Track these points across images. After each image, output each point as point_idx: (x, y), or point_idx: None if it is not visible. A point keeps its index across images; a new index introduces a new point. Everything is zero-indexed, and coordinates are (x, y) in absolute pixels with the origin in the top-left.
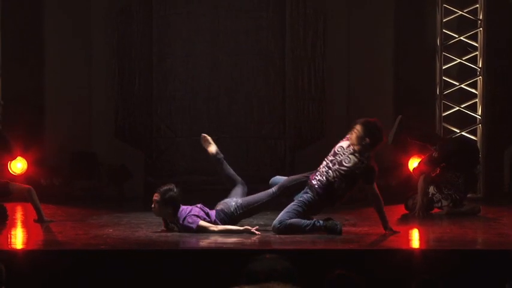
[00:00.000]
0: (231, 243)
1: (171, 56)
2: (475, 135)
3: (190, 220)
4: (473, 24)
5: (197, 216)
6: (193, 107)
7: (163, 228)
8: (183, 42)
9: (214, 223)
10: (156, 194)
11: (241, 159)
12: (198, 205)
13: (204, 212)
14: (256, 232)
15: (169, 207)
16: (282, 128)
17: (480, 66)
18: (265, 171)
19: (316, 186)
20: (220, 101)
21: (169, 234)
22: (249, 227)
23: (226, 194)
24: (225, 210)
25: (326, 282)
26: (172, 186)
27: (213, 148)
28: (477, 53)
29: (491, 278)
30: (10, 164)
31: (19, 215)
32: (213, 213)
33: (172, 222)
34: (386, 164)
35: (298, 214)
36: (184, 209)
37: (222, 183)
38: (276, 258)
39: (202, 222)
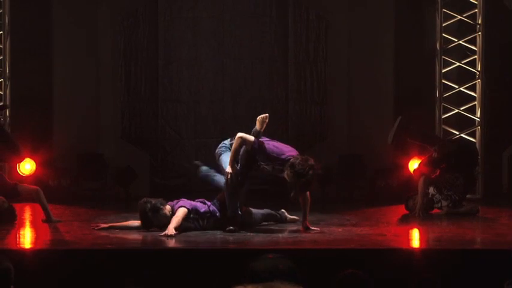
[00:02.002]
0: (233, 243)
1: (177, 59)
2: (474, 137)
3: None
4: (472, 29)
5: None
6: (198, 110)
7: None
8: (188, 46)
9: (211, 211)
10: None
11: None
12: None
13: (200, 201)
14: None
15: (155, 217)
16: (284, 130)
17: (479, 69)
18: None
19: None
20: (224, 104)
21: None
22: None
23: None
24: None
25: (336, 281)
26: (143, 204)
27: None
28: (476, 56)
29: (489, 278)
30: (19, 165)
31: (27, 215)
32: (209, 202)
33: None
34: (387, 165)
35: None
36: (174, 203)
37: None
38: (278, 258)
39: (181, 210)
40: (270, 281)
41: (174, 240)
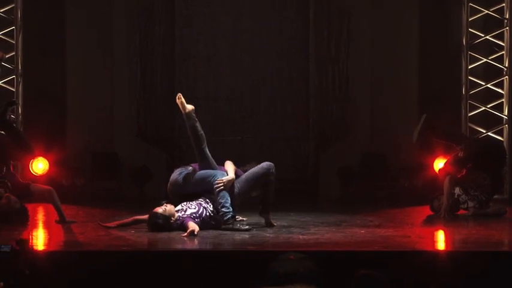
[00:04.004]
0: (252, 244)
1: (194, 55)
2: (502, 135)
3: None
4: (499, 23)
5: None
6: (216, 107)
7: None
8: (205, 42)
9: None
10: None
11: (264, 159)
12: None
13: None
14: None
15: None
16: (305, 128)
17: (506, 65)
18: (288, 172)
19: None
20: (243, 101)
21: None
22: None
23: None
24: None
25: (353, 282)
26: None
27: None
28: (503, 52)
29: None
30: (32, 164)
31: (40, 216)
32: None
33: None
34: (412, 164)
35: None
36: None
37: None
38: (299, 259)
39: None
40: (290, 283)
41: (193, 241)
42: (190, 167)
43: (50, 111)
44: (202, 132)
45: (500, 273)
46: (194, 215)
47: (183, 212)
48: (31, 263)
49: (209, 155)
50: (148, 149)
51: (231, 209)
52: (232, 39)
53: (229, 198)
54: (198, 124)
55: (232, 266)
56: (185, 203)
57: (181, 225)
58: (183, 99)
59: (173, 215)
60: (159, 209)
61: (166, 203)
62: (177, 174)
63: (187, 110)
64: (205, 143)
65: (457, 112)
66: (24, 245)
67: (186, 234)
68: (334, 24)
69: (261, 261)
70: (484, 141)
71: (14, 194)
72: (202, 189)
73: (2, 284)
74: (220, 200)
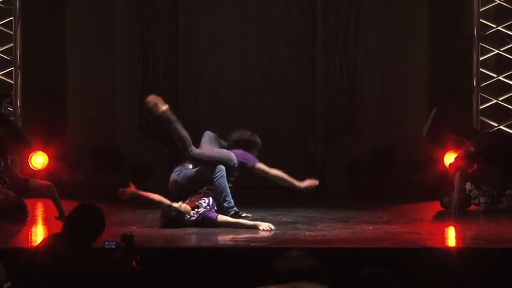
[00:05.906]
0: (257, 241)
1: (198, 46)
2: None
3: (210, 215)
4: (511, 14)
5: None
6: (220, 99)
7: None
8: (209, 32)
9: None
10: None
11: (269, 153)
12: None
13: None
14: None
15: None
16: (312, 120)
17: None
18: (295, 164)
19: None
20: (248, 92)
21: (195, 231)
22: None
23: (252, 191)
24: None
25: (357, 281)
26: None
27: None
28: None
29: None
30: (31, 159)
31: (40, 212)
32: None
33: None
34: (421, 159)
35: None
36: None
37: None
38: (302, 256)
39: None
40: (294, 281)
41: (197, 237)
42: (190, 165)
43: (50, 104)
44: (186, 134)
45: (511, 271)
46: (208, 207)
47: (197, 209)
48: (139, 259)
49: (203, 154)
50: (150, 145)
51: (233, 203)
52: (237, 29)
53: (229, 192)
54: (179, 125)
55: (237, 263)
56: (193, 198)
57: (202, 221)
58: (156, 100)
59: (188, 213)
60: (175, 204)
61: (182, 202)
62: (176, 174)
63: (161, 110)
64: (192, 145)
65: (468, 105)
66: (130, 241)
67: (263, 228)
68: (342, 13)
69: (267, 258)
70: (495, 135)
71: (12, 189)
72: (203, 185)
73: (9, 283)
74: (221, 194)
